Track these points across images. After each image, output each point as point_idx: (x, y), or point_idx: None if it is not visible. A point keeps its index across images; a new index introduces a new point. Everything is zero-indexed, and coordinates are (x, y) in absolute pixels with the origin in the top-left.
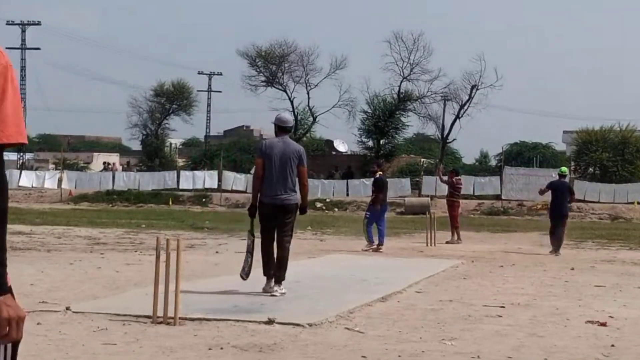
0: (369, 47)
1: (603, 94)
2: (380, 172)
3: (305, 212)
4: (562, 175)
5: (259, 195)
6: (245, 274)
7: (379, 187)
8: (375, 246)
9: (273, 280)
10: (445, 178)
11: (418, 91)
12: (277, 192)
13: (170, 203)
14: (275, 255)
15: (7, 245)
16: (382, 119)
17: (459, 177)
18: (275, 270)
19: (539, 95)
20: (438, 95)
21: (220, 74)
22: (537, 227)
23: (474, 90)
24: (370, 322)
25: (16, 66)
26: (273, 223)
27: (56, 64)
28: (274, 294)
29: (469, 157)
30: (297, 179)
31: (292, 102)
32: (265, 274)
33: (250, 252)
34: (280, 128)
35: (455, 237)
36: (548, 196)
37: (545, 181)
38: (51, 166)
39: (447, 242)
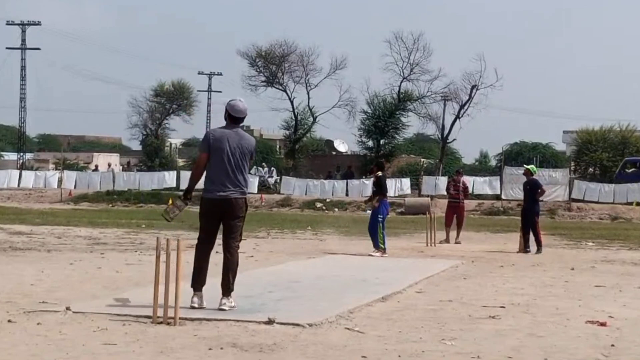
0: (369, 47)
1: (603, 94)
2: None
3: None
4: (532, 173)
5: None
6: (170, 218)
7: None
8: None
9: (222, 294)
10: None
11: (418, 91)
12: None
13: (170, 203)
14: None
15: (7, 246)
16: (382, 119)
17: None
18: (224, 279)
19: (539, 95)
20: (438, 95)
21: (220, 74)
22: None
23: (474, 90)
24: (370, 322)
25: (16, 66)
26: (217, 222)
27: (56, 64)
28: (223, 307)
29: (469, 157)
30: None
31: (292, 102)
32: (191, 284)
33: (180, 208)
34: (233, 118)
35: (453, 237)
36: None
37: (545, 181)
38: (51, 166)
39: (456, 242)
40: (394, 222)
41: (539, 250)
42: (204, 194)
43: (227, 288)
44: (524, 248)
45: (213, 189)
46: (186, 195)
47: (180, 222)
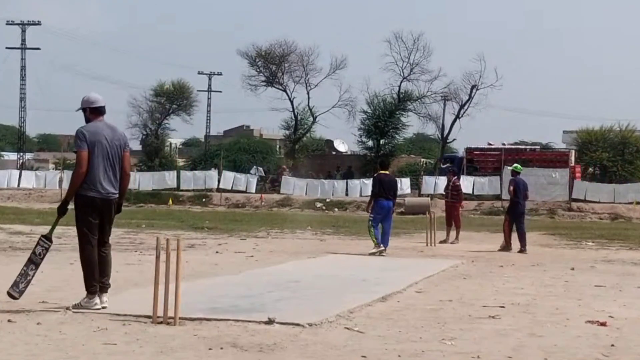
0: (369, 47)
1: (603, 94)
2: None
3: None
4: (518, 173)
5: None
6: (19, 292)
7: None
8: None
9: (99, 292)
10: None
11: (418, 91)
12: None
13: (170, 203)
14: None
15: (7, 246)
16: (382, 119)
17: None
18: (103, 277)
19: (539, 95)
20: (438, 95)
21: (220, 74)
22: (537, 227)
23: (474, 90)
24: (370, 322)
25: (16, 66)
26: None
27: (56, 64)
28: (105, 305)
29: None
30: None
31: (292, 102)
32: (89, 288)
33: (37, 263)
34: (94, 109)
35: (453, 237)
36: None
37: (545, 181)
38: (51, 166)
39: (441, 242)
40: (394, 222)
41: (504, 248)
42: (83, 192)
43: (105, 285)
44: (521, 247)
45: (93, 187)
46: (63, 207)
47: (180, 221)
